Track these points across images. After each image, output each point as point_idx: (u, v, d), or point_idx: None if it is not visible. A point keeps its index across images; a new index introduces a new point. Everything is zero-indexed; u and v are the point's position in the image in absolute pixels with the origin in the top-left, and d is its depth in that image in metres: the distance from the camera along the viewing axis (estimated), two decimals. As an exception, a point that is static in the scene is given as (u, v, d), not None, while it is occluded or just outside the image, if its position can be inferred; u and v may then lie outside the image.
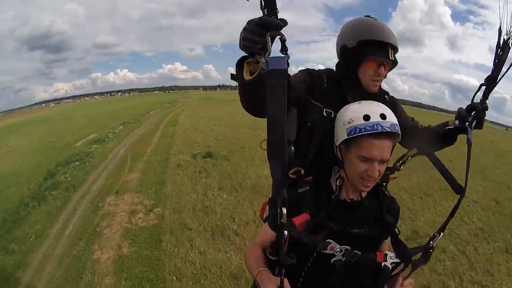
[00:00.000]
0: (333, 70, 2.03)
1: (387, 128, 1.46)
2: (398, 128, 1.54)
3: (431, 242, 1.71)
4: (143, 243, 7.31)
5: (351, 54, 1.87)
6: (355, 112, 1.54)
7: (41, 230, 8.43)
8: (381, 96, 2.01)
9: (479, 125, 1.83)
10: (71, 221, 8.92)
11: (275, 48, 1.16)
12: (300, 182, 1.79)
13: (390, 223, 1.72)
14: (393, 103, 2.08)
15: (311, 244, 1.55)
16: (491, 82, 1.77)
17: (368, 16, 1.95)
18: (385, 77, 2.00)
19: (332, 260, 1.60)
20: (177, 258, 6.56)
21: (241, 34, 1.24)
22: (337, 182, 1.71)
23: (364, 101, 1.72)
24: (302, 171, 1.88)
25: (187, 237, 7.41)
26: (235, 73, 1.44)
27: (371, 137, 1.48)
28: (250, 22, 1.20)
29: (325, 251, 1.57)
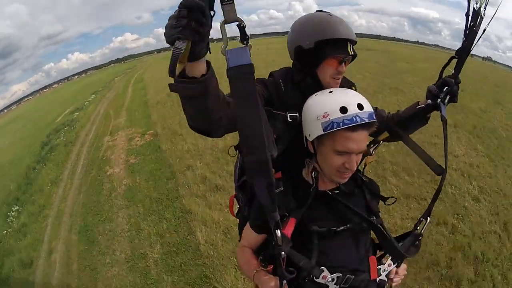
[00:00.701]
0: (288, 69, 1.87)
1: (365, 119, 1.31)
2: (374, 116, 1.40)
3: (418, 228, 1.60)
4: (146, 152, 9.15)
5: (309, 55, 1.71)
6: (330, 105, 1.36)
7: (54, 177, 9.92)
8: (348, 87, 1.89)
9: (454, 99, 1.72)
10: (78, 163, 10.46)
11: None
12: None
13: (374, 218, 1.59)
14: None
15: (305, 268, 1.40)
16: (463, 54, 1.62)
17: (321, 10, 1.82)
18: None
19: None
20: (176, 151, 8.46)
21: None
22: (313, 174, 1.55)
23: (335, 89, 1.58)
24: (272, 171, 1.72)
25: (180, 138, 9.31)
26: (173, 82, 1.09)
27: (348, 130, 1.32)
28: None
29: (317, 280, 1.41)
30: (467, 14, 1.54)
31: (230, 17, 0.91)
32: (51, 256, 5.69)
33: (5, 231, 7.15)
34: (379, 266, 1.56)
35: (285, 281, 1.29)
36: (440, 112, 1.67)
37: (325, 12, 1.78)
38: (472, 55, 1.82)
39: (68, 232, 6.35)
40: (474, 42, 1.57)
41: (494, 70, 36.01)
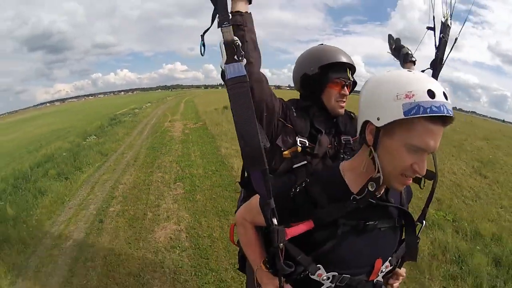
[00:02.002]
0: (295, 99, 1.94)
1: (450, 113, 1.02)
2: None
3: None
4: (197, 130, 14.00)
5: (314, 80, 1.80)
6: (416, 83, 1.04)
7: (125, 133, 14.68)
8: (348, 116, 1.93)
9: None
10: (144, 130, 15.46)
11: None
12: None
13: (407, 212, 1.36)
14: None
15: (301, 263, 1.25)
16: (437, 65, 1.70)
17: (322, 44, 1.95)
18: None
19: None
20: (217, 130, 13.20)
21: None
22: (369, 186, 1.15)
23: (415, 71, 1.21)
24: (299, 149, 1.69)
25: (220, 126, 14.11)
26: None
27: (430, 122, 1.02)
28: None
29: (312, 276, 1.27)
30: (429, 28, 1.69)
31: (228, 37, 1.08)
32: (125, 155, 10.32)
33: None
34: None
35: (284, 279, 1.24)
36: None
37: (326, 45, 1.91)
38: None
39: (140, 147, 11.19)
40: (447, 51, 1.62)
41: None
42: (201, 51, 1.25)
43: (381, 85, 1.11)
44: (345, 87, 1.80)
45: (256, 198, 1.34)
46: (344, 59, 1.78)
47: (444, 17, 1.67)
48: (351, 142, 1.79)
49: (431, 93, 1.01)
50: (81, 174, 8.21)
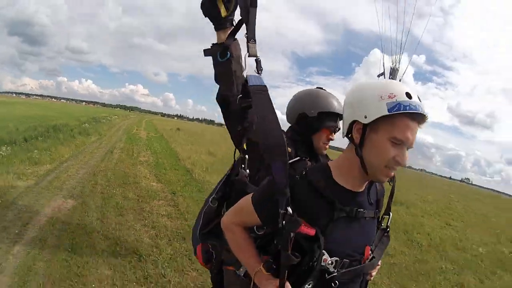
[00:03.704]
0: (284, 131, 2.03)
1: (425, 112, 1.24)
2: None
3: (382, 223, 1.64)
4: (157, 137, 21.09)
5: (311, 122, 2.04)
6: (395, 87, 1.26)
7: (107, 128, 21.53)
8: (326, 157, 2.18)
9: None
10: (119, 130, 22.30)
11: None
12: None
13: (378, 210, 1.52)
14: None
15: (310, 251, 1.28)
16: None
17: (320, 88, 2.20)
18: None
19: (327, 275, 1.33)
20: (172, 140, 20.16)
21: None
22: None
23: (387, 79, 1.73)
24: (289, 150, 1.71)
25: (173, 137, 21.19)
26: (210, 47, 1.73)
27: (409, 118, 1.22)
28: None
29: (322, 263, 1.30)
30: (380, 74, 2.03)
31: (253, 52, 1.24)
32: (113, 138, 17.14)
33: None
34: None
35: (288, 284, 1.23)
36: None
37: (324, 89, 2.18)
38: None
39: (121, 137, 17.89)
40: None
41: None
42: (222, 57, 1.57)
43: (366, 90, 1.29)
44: (333, 133, 2.10)
45: (245, 200, 1.40)
46: (339, 110, 2.05)
47: (392, 63, 1.97)
48: None
49: (408, 95, 1.20)
50: (91, 137, 15.28)
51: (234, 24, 1.74)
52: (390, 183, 1.53)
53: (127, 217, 5.55)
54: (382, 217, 1.62)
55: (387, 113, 1.21)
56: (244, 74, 1.28)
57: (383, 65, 2.08)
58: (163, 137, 20.91)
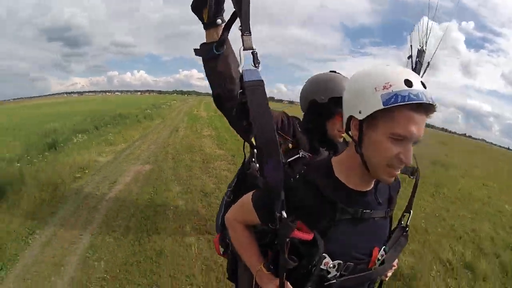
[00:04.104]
0: (299, 119, 2.05)
1: (430, 100, 1.07)
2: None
3: (402, 222, 1.52)
4: (217, 116, 21.71)
5: (322, 109, 1.91)
6: (392, 75, 1.12)
7: (168, 113, 23.21)
8: (346, 144, 2.03)
9: None
10: (180, 113, 23.83)
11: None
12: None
13: (390, 209, 1.41)
14: None
15: (308, 254, 1.22)
16: None
17: (334, 71, 2.03)
18: None
19: (329, 277, 1.28)
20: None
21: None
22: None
23: (392, 64, 1.32)
24: (291, 146, 1.82)
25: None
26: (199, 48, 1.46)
27: (410, 110, 1.07)
28: None
29: (322, 266, 1.25)
30: (409, 56, 1.95)
31: (248, 45, 1.17)
32: (175, 120, 18.53)
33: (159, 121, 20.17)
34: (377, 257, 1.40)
35: (287, 283, 1.21)
36: None
37: (338, 73, 2.00)
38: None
39: (183, 118, 19.33)
40: (421, 73, 1.84)
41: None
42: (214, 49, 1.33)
43: (360, 81, 1.16)
44: None
45: (247, 197, 1.38)
46: None
47: (420, 45, 1.91)
48: None
49: (408, 83, 1.04)
50: (155, 120, 16.90)
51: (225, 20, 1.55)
52: (411, 177, 1.46)
53: (195, 171, 6.97)
54: (402, 214, 1.51)
55: (382, 106, 1.06)
56: (240, 69, 1.20)
57: (411, 48, 2.00)
58: (223, 116, 21.85)
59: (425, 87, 1.08)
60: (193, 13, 1.34)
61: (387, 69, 1.15)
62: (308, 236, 1.13)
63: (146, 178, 6.34)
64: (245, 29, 1.17)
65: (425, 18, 2.07)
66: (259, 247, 1.42)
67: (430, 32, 2.01)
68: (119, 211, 5.00)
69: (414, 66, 1.94)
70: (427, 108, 1.07)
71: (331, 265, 1.24)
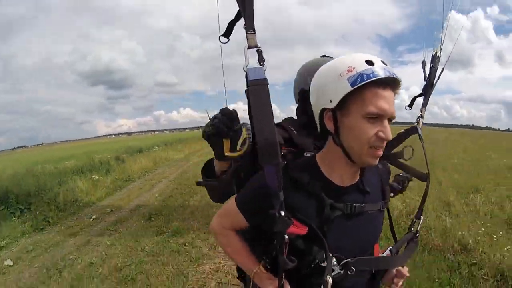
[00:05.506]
0: (291, 118, 1.93)
1: (394, 74, 1.14)
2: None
3: (412, 228, 1.55)
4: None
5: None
6: (353, 59, 1.17)
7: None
8: None
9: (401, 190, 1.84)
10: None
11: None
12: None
13: (384, 202, 1.42)
14: None
15: (308, 253, 1.26)
16: (427, 90, 1.77)
17: (324, 55, 1.91)
18: None
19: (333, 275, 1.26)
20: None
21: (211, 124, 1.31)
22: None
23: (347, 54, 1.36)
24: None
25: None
26: (201, 180, 1.59)
27: (376, 87, 1.13)
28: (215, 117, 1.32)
29: (322, 264, 1.26)
30: (423, 62, 1.77)
31: (252, 43, 1.15)
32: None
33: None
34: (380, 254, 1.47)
35: (286, 282, 1.25)
36: (418, 133, 1.65)
37: (329, 57, 1.84)
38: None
39: None
40: (436, 79, 1.76)
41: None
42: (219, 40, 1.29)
43: (324, 74, 1.23)
44: None
45: (231, 202, 1.39)
46: None
47: (434, 51, 1.82)
48: None
49: (369, 62, 1.12)
50: None
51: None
52: (410, 156, 1.48)
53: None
54: (413, 221, 1.54)
55: (350, 88, 1.11)
56: (245, 68, 1.14)
57: (425, 53, 1.82)
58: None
59: (385, 64, 1.15)
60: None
61: (346, 57, 1.21)
62: (302, 230, 1.16)
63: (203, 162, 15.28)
64: (249, 27, 1.14)
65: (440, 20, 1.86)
66: (256, 255, 1.41)
67: (445, 35, 1.84)
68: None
69: (428, 71, 1.79)
70: (393, 83, 1.16)
71: (335, 262, 1.24)
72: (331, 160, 1.29)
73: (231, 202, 1.40)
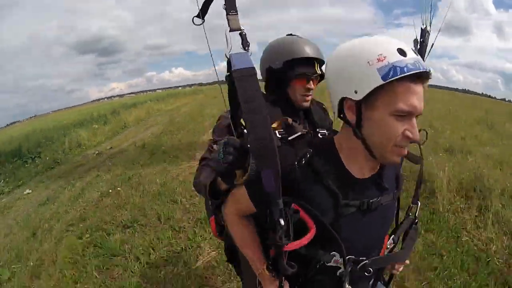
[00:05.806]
0: (265, 94, 1.85)
1: (427, 68, 0.99)
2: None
3: (410, 214, 1.43)
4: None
5: (278, 74, 1.77)
6: (383, 45, 1.00)
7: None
8: (320, 108, 1.96)
9: None
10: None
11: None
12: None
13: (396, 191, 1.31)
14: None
15: (312, 257, 1.20)
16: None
17: (291, 34, 1.89)
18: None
19: (338, 272, 1.22)
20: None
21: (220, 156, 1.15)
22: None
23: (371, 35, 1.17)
24: (290, 121, 1.61)
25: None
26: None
27: (409, 81, 0.98)
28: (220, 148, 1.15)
29: (329, 264, 1.20)
30: (416, 40, 1.72)
31: (234, 25, 1.02)
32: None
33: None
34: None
35: (286, 282, 1.20)
36: None
37: (295, 35, 1.84)
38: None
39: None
40: (426, 54, 1.71)
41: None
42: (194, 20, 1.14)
43: (348, 57, 1.04)
44: (311, 81, 1.79)
45: (238, 188, 1.29)
46: (309, 54, 1.74)
47: (423, 25, 1.74)
48: (327, 135, 1.74)
49: (402, 52, 0.96)
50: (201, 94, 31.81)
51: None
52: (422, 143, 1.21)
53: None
54: (409, 207, 1.39)
55: (381, 82, 0.95)
56: (227, 53, 1.01)
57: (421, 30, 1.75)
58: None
59: (417, 54, 0.99)
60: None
61: (374, 40, 1.04)
62: (304, 241, 1.05)
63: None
64: (230, 8, 1.01)
65: None
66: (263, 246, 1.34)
67: (433, 10, 1.75)
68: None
69: (418, 47, 1.72)
70: (427, 77, 1.00)
71: (342, 262, 1.18)
72: (351, 149, 1.15)
73: (239, 188, 1.29)
